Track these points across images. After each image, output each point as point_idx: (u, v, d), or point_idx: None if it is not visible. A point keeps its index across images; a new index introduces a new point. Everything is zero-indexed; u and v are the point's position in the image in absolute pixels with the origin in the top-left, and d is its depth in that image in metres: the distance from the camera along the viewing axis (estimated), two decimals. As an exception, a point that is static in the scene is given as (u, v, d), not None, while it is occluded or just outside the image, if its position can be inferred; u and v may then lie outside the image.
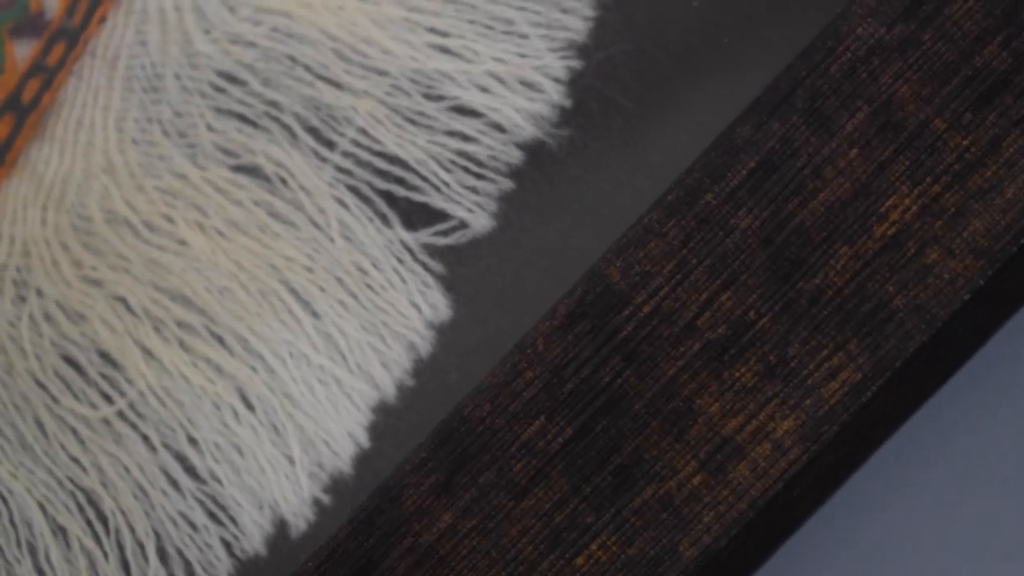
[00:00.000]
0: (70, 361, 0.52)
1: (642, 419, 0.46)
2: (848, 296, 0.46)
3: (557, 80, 0.50)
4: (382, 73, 0.51)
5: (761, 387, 0.46)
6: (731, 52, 0.49)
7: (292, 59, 0.52)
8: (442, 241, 0.50)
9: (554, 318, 0.47)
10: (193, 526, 0.50)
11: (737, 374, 0.46)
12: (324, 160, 0.51)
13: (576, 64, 0.50)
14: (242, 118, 0.52)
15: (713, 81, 0.49)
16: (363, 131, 0.51)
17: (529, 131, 0.50)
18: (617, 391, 0.47)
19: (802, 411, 0.46)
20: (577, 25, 0.51)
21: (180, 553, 0.50)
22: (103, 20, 0.53)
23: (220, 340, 0.51)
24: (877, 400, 0.46)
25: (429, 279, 0.50)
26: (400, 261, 0.51)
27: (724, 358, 0.46)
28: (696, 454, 0.46)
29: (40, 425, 0.52)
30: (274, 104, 0.52)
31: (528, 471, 0.47)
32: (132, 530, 0.50)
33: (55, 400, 0.52)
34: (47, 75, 0.54)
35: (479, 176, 0.50)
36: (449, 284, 0.50)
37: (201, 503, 0.50)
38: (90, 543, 0.50)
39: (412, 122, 0.51)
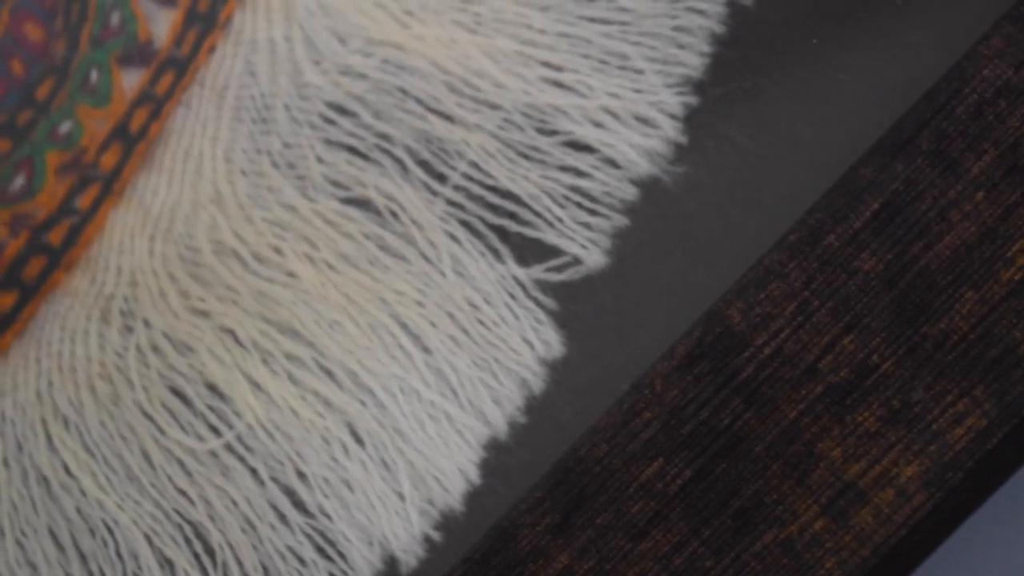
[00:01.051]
0: (177, 393, 0.51)
1: (763, 462, 0.46)
2: (974, 341, 0.45)
3: (672, 116, 0.50)
4: (495, 107, 0.51)
5: (884, 432, 0.45)
6: (851, 91, 0.49)
7: (403, 91, 0.51)
8: (555, 277, 0.50)
9: (672, 358, 0.47)
10: (302, 561, 0.50)
11: (860, 418, 0.45)
12: (435, 194, 0.51)
13: (692, 100, 0.50)
14: (352, 150, 0.52)
15: (833, 120, 0.48)
16: (475, 165, 0.51)
17: (644, 167, 0.50)
18: (737, 433, 0.46)
19: (926, 457, 0.45)
20: (693, 61, 0.50)
21: (287, 587, 0.50)
22: (212, 50, 0.53)
23: (329, 374, 0.51)
24: (1003, 446, 0.45)
25: (542, 315, 0.50)
26: (513, 297, 0.50)
27: (847, 402, 0.46)
28: (818, 499, 0.45)
29: (147, 457, 0.51)
30: (385, 137, 0.51)
31: (646, 513, 0.46)
32: (240, 564, 0.50)
33: (162, 432, 0.51)
34: (155, 104, 0.53)
35: (593, 212, 0.50)
36: (562, 321, 0.50)
37: (310, 538, 0.50)
38: (196, 576, 0.50)
39: (525, 157, 0.50)
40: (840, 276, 0.46)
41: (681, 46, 0.50)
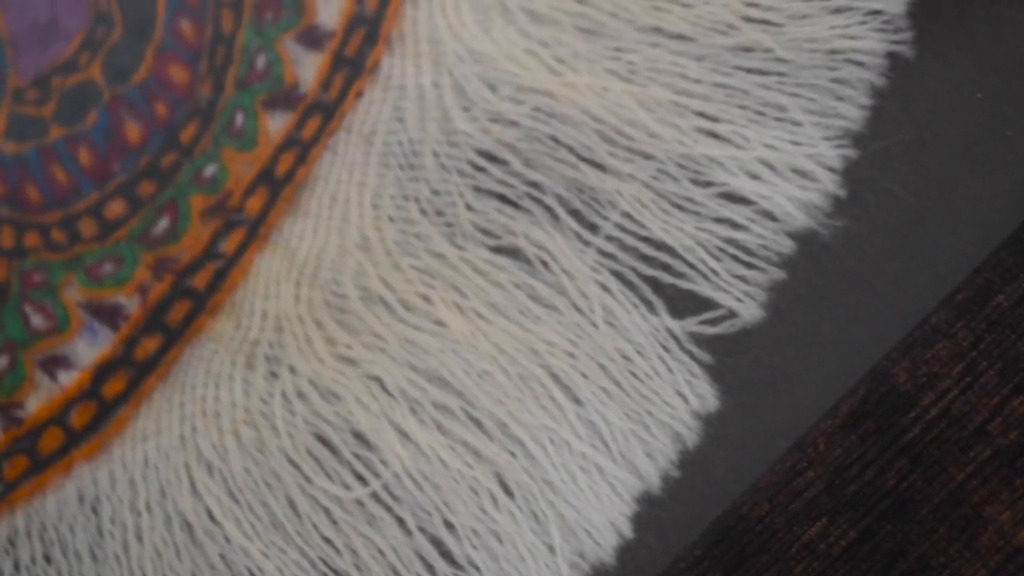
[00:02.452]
0: (323, 440, 0.51)
1: (929, 524, 0.45)
2: None
3: (831, 169, 0.49)
4: (648, 157, 0.50)
5: (1056, 496, 0.44)
6: (1017, 146, 0.48)
7: (555, 140, 0.50)
8: (710, 330, 0.49)
9: (836, 417, 0.46)
10: (450, 613, 0.49)
11: (1030, 482, 0.44)
12: (587, 244, 0.50)
13: (851, 153, 0.49)
14: (502, 198, 0.51)
15: (997, 175, 0.48)
16: (628, 215, 0.50)
17: (801, 220, 0.49)
18: (903, 495, 0.45)
19: (1099, 522, 0.44)
20: (853, 113, 0.49)
21: (433, 639, 0.49)
22: (360, 95, 0.52)
23: (478, 424, 0.50)
24: None
25: (696, 368, 0.49)
26: (666, 349, 0.49)
27: (1016, 465, 0.45)
28: (986, 563, 0.44)
29: (292, 504, 0.50)
30: (536, 185, 0.50)
31: (809, 574, 0.45)
32: (388, 615, 0.49)
33: (307, 479, 0.50)
34: (301, 149, 0.52)
35: (749, 265, 0.49)
36: (717, 374, 0.49)
37: (459, 590, 0.49)
38: (340, 625, 0.49)
39: (679, 208, 0.50)
40: (1009, 337, 0.45)
41: (840, 98, 0.49)
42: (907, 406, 0.45)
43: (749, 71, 0.50)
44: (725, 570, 0.45)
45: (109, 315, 0.53)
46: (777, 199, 0.49)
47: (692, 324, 0.49)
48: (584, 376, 0.49)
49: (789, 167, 0.49)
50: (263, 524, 0.50)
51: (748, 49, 0.50)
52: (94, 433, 0.52)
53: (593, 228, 0.50)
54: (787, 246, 0.49)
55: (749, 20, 0.50)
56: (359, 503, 0.50)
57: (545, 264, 0.50)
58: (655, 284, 0.49)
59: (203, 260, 0.52)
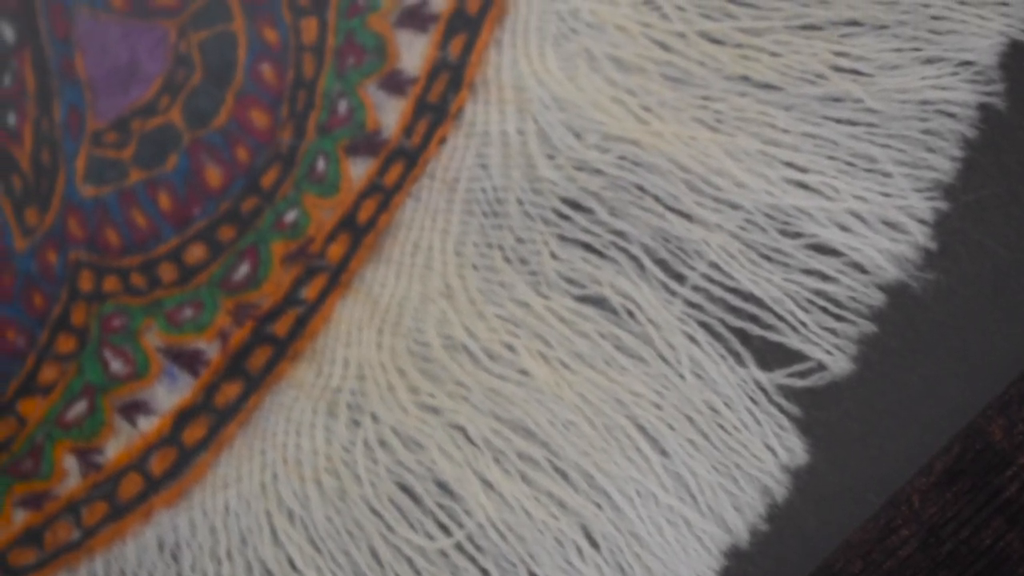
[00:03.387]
0: (406, 489, 0.50)
1: (1027, 584, 0.44)
2: None
3: (922, 221, 0.48)
4: (736, 207, 0.49)
5: None
6: (1113, 201, 0.47)
7: (641, 189, 0.50)
8: (799, 383, 0.48)
9: (930, 474, 0.45)
10: (536, 666, 0.48)
11: None
12: (674, 294, 0.49)
13: (942, 205, 0.48)
14: (588, 247, 0.50)
15: (1093, 230, 0.47)
16: (715, 266, 0.49)
17: (892, 273, 0.48)
18: (999, 554, 0.44)
19: None
20: (944, 165, 0.48)
21: None
22: (443, 141, 0.52)
23: (563, 475, 0.49)
24: None
25: (784, 421, 0.48)
26: (754, 401, 0.48)
27: (1116, 525, 0.44)
28: (1085, 624, 0.44)
29: (375, 554, 0.50)
30: (621, 234, 0.50)
31: (904, 633, 0.45)
32: (473, 668, 0.49)
33: (390, 529, 0.50)
34: (384, 195, 0.52)
35: (838, 317, 0.48)
36: (805, 427, 0.48)
37: (544, 643, 0.48)
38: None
39: (767, 259, 0.49)
40: (1108, 395, 0.44)
41: (931, 149, 0.48)
42: (1003, 464, 0.44)
43: (839, 121, 0.49)
44: (818, 628, 0.45)
45: (189, 361, 0.52)
46: (867, 251, 0.48)
47: (781, 376, 0.48)
48: (671, 427, 0.49)
49: (879, 219, 0.48)
50: (345, 573, 0.50)
51: (837, 99, 0.49)
52: (174, 479, 0.52)
53: (680, 278, 0.49)
54: (877, 298, 0.48)
55: (838, 70, 0.49)
56: (442, 553, 0.49)
57: (631, 314, 0.49)
58: (743, 335, 0.49)
59: (284, 306, 0.52)
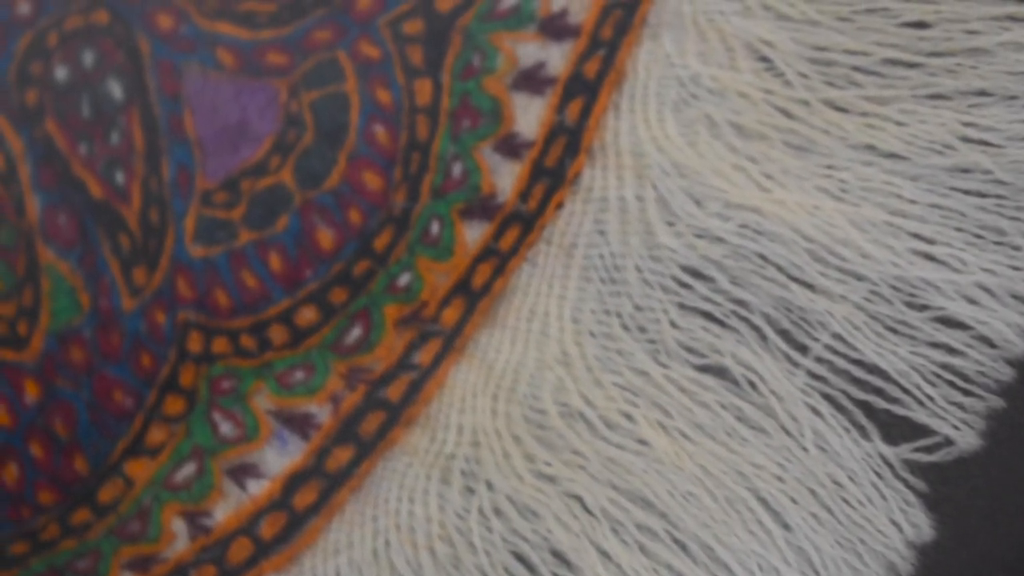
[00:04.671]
0: (521, 559, 0.49)
1: None
2: None
3: (1052, 295, 0.47)
4: (860, 278, 0.48)
5: None
6: None
7: (763, 258, 0.48)
8: (925, 458, 0.47)
9: (1067, 556, 0.44)
10: None
11: None
12: (796, 365, 0.48)
13: (1073, 280, 0.47)
14: (708, 316, 0.49)
15: None
16: (839, 337, 0.48)
17: (1021, 347, 0.47)
18: None
19: None
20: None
21: None
22: (560, 206, 0.50)
23: (683, 547, 0.48)
24: None
25: (911, 496, 0.47)
26: (879, 476, 0.47)
27: None
28: None
29: (490, 624, 0.48)
30: (743, 303, 0.48)
31: None
32: None
33: (506, 599, 0.48)
34: (499, 260, 0.50)
35: (966, 392, 0.47)
36: (932, 503, 0.47)
37: None
38: None
39: (893, 331, 0.47)
40: None
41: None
42: None
43: (967, 192, 0.47)
44: None
45: (300, 424, 0.51)
46: (995, 324, 0.47)
47: (906, 451, 0.47)
48: (793, 501, 0.47)
49: (1008, 292, 0.47)
50: (459, 643, 0.48)
51: (966, 170, 0.48)
52: (285, 545, 0.50)
53: (803, 349, 0.48)
54: (1006, 373, 0.47)
55: (967, 140, 0.48)
56: (559, 624, 0.48)
57: (753, 385, 0.48)
58: (868, 409, 0.47)
59: (397, 371, 0.50)
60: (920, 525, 0.46)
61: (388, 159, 0.51)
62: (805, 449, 0.47)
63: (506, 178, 0.50)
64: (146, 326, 0.51)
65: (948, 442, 0.47)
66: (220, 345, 0.51)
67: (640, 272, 0.49)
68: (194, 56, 0.52)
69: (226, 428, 0.51)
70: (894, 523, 0.47)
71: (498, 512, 0.49)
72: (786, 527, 0.47)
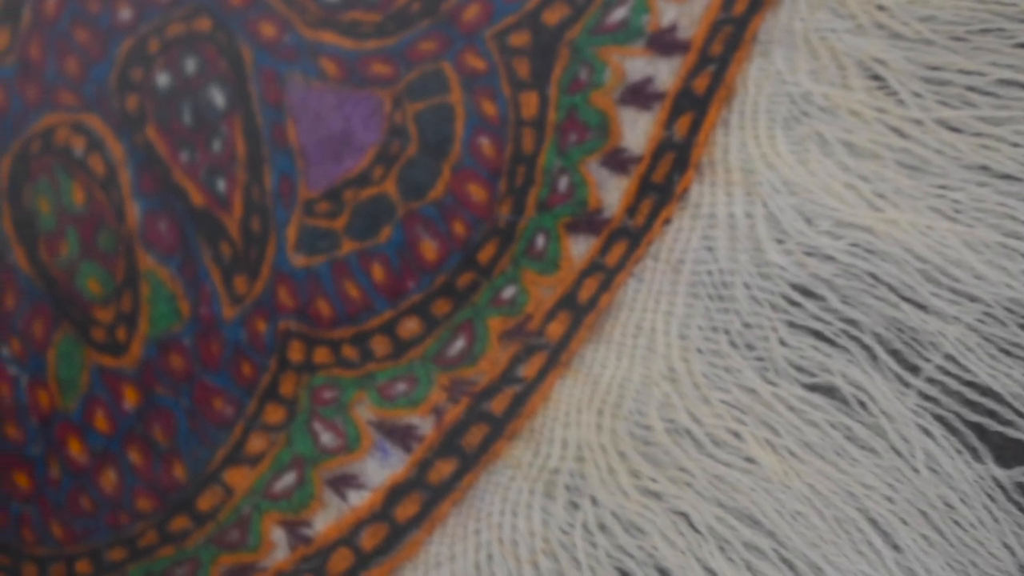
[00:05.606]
0: (625, 575, 0.48)
1: None
2: None
3: None
4: (973, 299, 0.47)
5: None
6: None
7: (874, 277, 0.47)
8: (1038, 481, 0.46)
9: None
10: None
11: None
12: (907, 385, 0.47)
13: None
14: (818, 335, 0.48)
15: None
16: (951, 358, 0.47)
17: None
18: None
19: None
20: None
21: None
22: (667, 222, 0.49)
23: (791, 566, 0.47)
24: None
25: None
26: (992, 499, 0.46)
27: None
28: None
29: (594, 640, 0.47)
30: (853, 323, 0.47)
31: None
32: None
33: (610, 615, 0.48)
34: (606, 275, 0.49)
35: (1080, 415, 0.46)
36: (1045, 527, 0.46)
37: None
38: None
39: (1007, 353, 0.46)
40: None
41: None
42: None
43: (1082, 216, 0.47)
44: None
45: (402, 436, 0.50)
46: (1110, 348, 0.46)
47: (1020, 474, 0.46)
48: (904, 522, 0.46)
49: (1123, 316, 0.46)
50: (563, 658, 0.48)
51: (1081, 193, 0.47)
52: (385, 556, 0.49)
53: (914, 370, 0.47)
54: (1121, 398, 0.46)
55: (1083, 163, 0.47)
56: (664, 642, 0.47)
57: (863, 405, 0.47)
58: (980, 430, 0.46)
59: (501, 384, 0.49)
60: (1032, 549, 0.46)
61: (493, 171, 0.50)
62: (916, 470, 0.46)
63: (613, 193, 0.49)
64: (247, 335, 0.50)
65: (1061, 466, 0.46)
66: (322, 355, 0.50)
67: (749, 289, 0.48)
68: (297, 65, 0.51)
69: (327, 438, 0.50)
70: (1006, 546, 0.46)
71: (603, 528, 0.48)
72: (896, 548, 0.46)
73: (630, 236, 0.49)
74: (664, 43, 0.49)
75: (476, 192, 0.50)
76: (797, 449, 0.47)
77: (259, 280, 0.50)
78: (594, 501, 0.48)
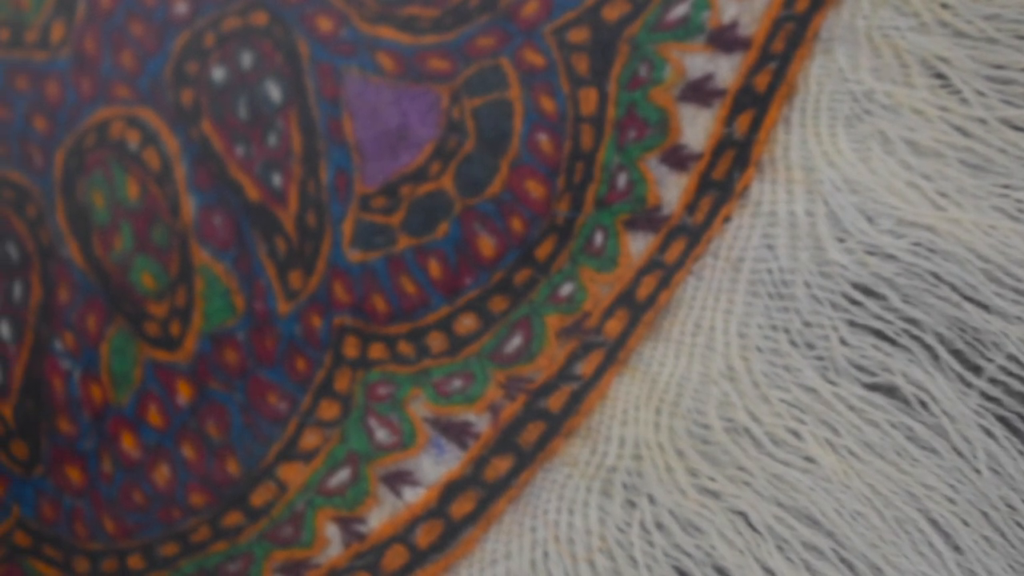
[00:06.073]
0: (683, 573, 0.47)
1: None
2: None
3: None
4: (1037, 299, 0.46)
5: None
6: None
7: (936, 276, 0.47)
8: (1102, 483, 0.45)
9: None
10: None
11: None
12: (969, 386, 0.46)
13: None
14: (879, 334, 0.47)
15: None
16: (1014, 359, 0.46)
17: None
18: None
19: None
20: None
21: None
22: (727, 219, 0.49)
23: (850, 566, 0.46)
24: None
25: (1087, 522, 0.45)
26: (1054, 500, 0.46)
27: None
28: None
29: (651, 639, 0.47)
30: (914, 322, 0.47)
31: None
32: None
33: (668, 614, 0.47)
34: (664, 272, 0.49)
35: None
36: (1109, 529, 0.45)
37: None
38: None
39: (1070, 354, 0.46)
40: None
41: None
42: None
43: None
44: None
45: (457, 433, 0.49)
46: None
47: (1083, 475, 0.46)
48: (965, 523, 0.46)
49: None
50: (619, 658, 0.47)
51: None
52: (440, 554, 0.49)
53: (976, 370, 0.46)
54: None
55: None
56: (722, 642, 0.47)
57: (924, 405, 0.47)
58: (1043, 432, 0.46)
59: (558, 381, 0.49)
60: (1096, 551, 0.45)
61: (551, 168, 0.49)
62: (978, 471, 0.46)
63: (672, 190, 0.49)
64: (301, 330, 0.50)
65: (1126, 468, 0.45)
66: (377, 351, 0.50)
67: (809, 288, 0.47)
68: (354, 60, 0.51)
69: (382, 434, 0.49)
70: (1069, 548, 0.45)
71: (660, 526, 0.47)
72: (957, 549, 0.46)
73: (689, 233, 0.48)
74: (725, 40, 0.49)
75: (534, 188, 0.49)
76: (857, 449, 0.46)
77: (314, 275, 0.50)
78: (652, 500, 0.47)
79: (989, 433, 0.46)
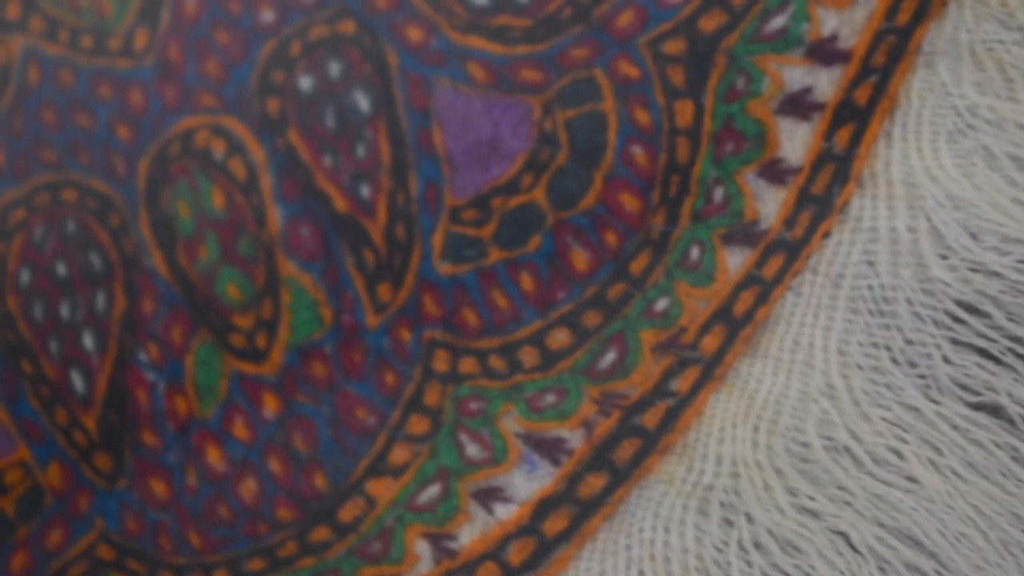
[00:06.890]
0: (783, 594, 0.46)
1: None
2: None
3: None
4: None
5: None
6: None
7: (1042, 295, 0.46)
8: None
9: None
10: None
11: None
12: (1076, 406, 0.45)
13: None
14: (983, 353, 0.46)
15: None
16: (1122, 379, 0.45)
17: None
18: None
19: None
20: None
21: None
22: (827, 235, 0.48)
23: (954, 588, 0.45)
24: None
25: None
26: None
27: None
28: None
29: (750, 660, 0.46)
30: (1020, 340, 0.46)
31: None
32: None
33: (766, 635, 0.46)
34: (762, 288, 0.48)
35: None
36: None
37: None
38: None
39: None
40: None
41: None
42: None
43: None
44: None
45: (550, 449, 0.48)
46: None
47: None
48: (1072, 546, 0.45)
49: None
50: None
51: None
52: (532, 571, 0.48)
53: (1083, 390, 0.45)
54: None
55: None
56: (822, 664, 0.46)
57: (1029, 425, 0.46)
58: None
59: (653, 398, 0.48)
60: None
61: (646, 181, 0.48)
62: (1084, 493, 0.45)
63: (770, 204, 0.48)
64: (390, 343, 0.49)
65: None
66: (468, 365, 0.49)
67: (911, 305, 0.46)
68: (444, 70, 0.50)
69: (473, 450, 0.48)
70: None
71: (758, 546, 0.46)
72: (1064, 572, 0.45)
73: (788, 249, 0.47)
74: (824, 52, 0.48)
75: (629, 202, 0.48)
76: (961, 469, 0.45)
77: (404, 288, 0.49)
78: (749, 519, 0.46)
79: (1096, 454, 0.45)
